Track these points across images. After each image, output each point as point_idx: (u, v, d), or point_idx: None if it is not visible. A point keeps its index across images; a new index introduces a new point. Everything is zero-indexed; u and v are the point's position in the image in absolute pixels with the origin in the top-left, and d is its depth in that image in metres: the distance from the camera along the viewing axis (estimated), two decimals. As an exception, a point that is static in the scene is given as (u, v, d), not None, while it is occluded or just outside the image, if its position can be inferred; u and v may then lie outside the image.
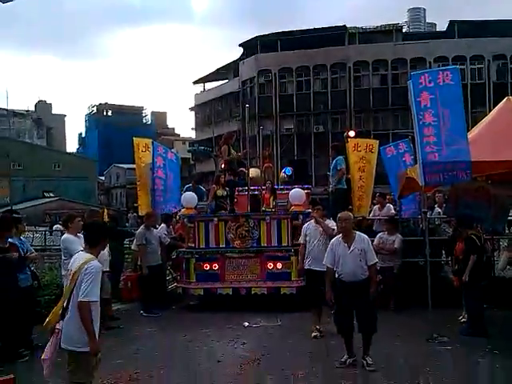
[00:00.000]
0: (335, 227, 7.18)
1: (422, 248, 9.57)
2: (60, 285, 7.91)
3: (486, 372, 5.91)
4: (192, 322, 8.71)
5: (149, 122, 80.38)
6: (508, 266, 9.70)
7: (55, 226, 24.41)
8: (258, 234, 9.70)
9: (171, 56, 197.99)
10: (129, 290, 10.52)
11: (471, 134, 7.70)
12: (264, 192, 11.15)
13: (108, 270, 8.16)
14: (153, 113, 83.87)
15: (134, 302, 10.19)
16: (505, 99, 8.37)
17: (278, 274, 9.49)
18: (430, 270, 7.60)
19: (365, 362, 6.14)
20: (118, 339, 7.59)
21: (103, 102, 79.36)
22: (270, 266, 9.52)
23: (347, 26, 40.95)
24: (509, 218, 10.57)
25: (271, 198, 11.14)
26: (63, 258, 7.46)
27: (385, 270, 9.24)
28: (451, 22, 39.79)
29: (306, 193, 10.92)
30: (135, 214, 23.41)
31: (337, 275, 6.29)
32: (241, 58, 44.47)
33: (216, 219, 9.88)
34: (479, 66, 38.48)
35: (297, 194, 10.26)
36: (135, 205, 14.48)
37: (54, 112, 78.53)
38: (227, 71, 47.71)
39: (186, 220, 10.13)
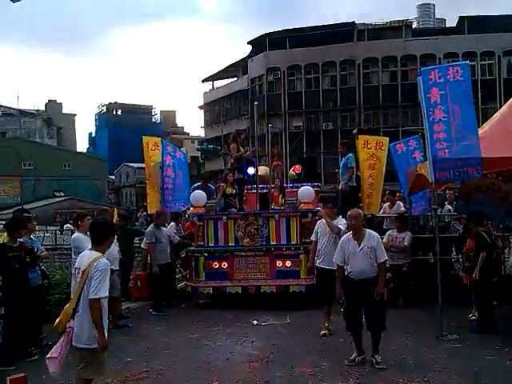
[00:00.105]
0: (345, 225, 7.14)
1: (431, 245, 9.54)
2: (70, 284, 7.94)
3: (497, 369, 5.84)
4: (201, 320, 8.72)
5: (158, 121, 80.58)
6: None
7: (66, 225, 24.65)
8: (267, 232, 9.68)
9: (180, 55, 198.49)
10: (138, 288, 10.56)
11: (481, 130, 7.64)
12: (273, 190, 11.13)
13: (118, 268, 8.20)
14: (162, 112, 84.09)
15: (144, 300, 10.22)
16: (515, 94, 8.27)
17: (287, 272, 9.47)
18: (440, 268, 7.55)
19: (374, 359, 6.12)
20: (128, 337, 7.63)
21: (113, 102, 79.68)
22: (279, 264, 9.51)
23: (356, 22, 40.80)
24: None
25: (280, 196, 11.13)
26: (73, 256, 7.49)
27: (394, 267, 9.22)
28: (461, 18, 39.48)
29: (315, 190, 10.90)
30: (145, 212, 23.52)
31: (346, 273, 6.28)
32: (249, 56, 44.42)
33: (225, 217, 9.88)
34: (489, 61, 38.13)
35: (306, 191, 10.24)
36: (145, 204, 14.53)
37: (64, 112, 78.97)
38: (236, 69, 47.69)
39: (195, 218, 10.12)
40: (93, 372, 4.54)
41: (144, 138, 11.53)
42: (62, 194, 50.62)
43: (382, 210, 11.37)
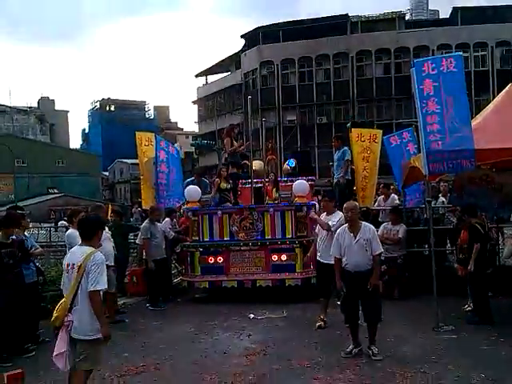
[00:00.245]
0: (342, 219, 7.15)
1: (426, 238, 9.57)
2: (65, 280, 7.92)
3: (492, 360, 5.89)
4: (197, 315, 8.73)
5: (151, 117, 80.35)
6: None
7: (60, 222, 24.55)
8: (262, 226, 9.68)
9: (173, 50, 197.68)
10: (134, 284, 10.56)
11: (475, 122, 7.64)
12: (267, 184, 11.13)
13: (113, 264, 8.19)
14: (155, 107, 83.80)
15: (140, 295, 10.22)
16: (509, 85, 8.29)
17: (282, 266, 9.48)
18: (435, 260, 7.58)
19: (370, 351, 6.16)
20: (124, 332, 7.62)
21: (106, 98, 79.33)
22: (275, 258, 9.52)
23: (349, 14, 40.73)
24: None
25: (274, 190, 11.12)
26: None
27: (389, 260, 9.24)
28: (454, 9, 39.53)
29: (310, 184, 10.90)
30: (140, 208, 23.47)
31: (343, 265, 6.30)
32: (243, 50, 44.31)
33: (220, 212, 9.88)
34: (483, 53, 38.22)
35: (300, 185, 10.25)
36: (139, 200, 14.49)
37: (56, 108, 78.54)
38: (229, 63, 47.58)
39: (189, 213, 10.11)
40: (92, 363, 4.64)
41: (137, 133, 11.49)
42: (55, 191, 50.44)
43: (376, 203, 11.40)
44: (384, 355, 6.10)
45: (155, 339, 7.40)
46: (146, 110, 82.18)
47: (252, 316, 8.39)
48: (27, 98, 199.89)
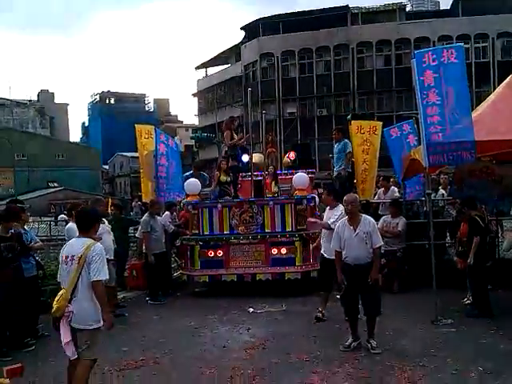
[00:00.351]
0: (337, 216, 7.13)
1: (425, 230, 9.55)
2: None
3: (492, 353, 5.88)
4: (197, 309, 8.73)
5: (151, 110, 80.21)
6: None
7: (60, 216, 24.56)
8: (262, 219, 9.65)
9: (172, 42, 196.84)
10: (134, 278, 10.55)
11: (475, 113, 7.60)
12: (266, 177, 11.10)
13: (113, 258, 8.18)
14: (155, 100, 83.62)
15: (140, 289, 10.22)
16: (509, 77, 8.23)
17: (282, 260, 9.47)
18: (434, 253, 7.56)
19: (369, 344, 6.15)
20: (124, 326, 7.62)
21: (105, 91, 79.17)
22: (275, 251, 9.50)
23: (350, 5, 40.50)
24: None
25: (273, 183, 11.09)
26: (67, 247, 7.46)
27: (389, 253, 9.22)
28: (455, 0, 39.29)
29: (310, 177, 10.87)
30: (140, 202, 23.47)
31: (342, 258, 6.28)
32: (242, 42, 44.12)
33: (220, 205, 9.85)
34: (484, 44, 38.05)
35: (300, 178, 10.22)
36: (139, 193, 14.48)
37: (56, 101, 78.41)
38: (229, 55, 47.41)
39: (189, 207, 10.09)
40: (95, 352, 4.73)
41: (137, 126, 11.44)
42: (55, 185, 50.44)
43: (376, 196, 11.37)
44: (383, 348, 6.11)
45: (155, 333, 7.41)
46: (146, 102, 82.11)
47: (251, 310, 8.39)
48: (27, 92, 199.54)
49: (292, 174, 11.11)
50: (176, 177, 11.51)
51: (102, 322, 4.70)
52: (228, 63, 48.49)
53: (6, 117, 62.90)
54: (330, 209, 7.72)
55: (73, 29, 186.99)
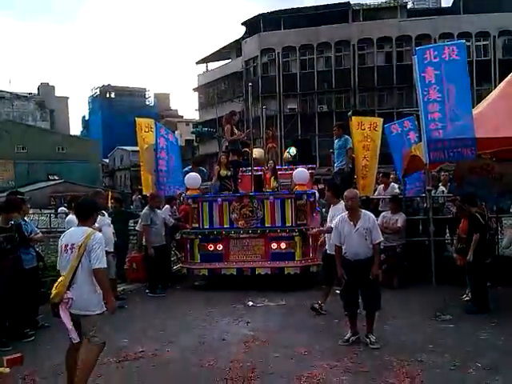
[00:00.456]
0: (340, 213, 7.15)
1: (424, 227, 9.56)
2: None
3: (490, 349, 5.91)
4: (196, 302, 8.76)
5: (152, 104, 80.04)
6: (512, 245, 9.66)
7: (60, 208, 24.57)
8: (262, 214, 9.67)
9: (173, 37, 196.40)
10: (134, 270, 10.58)
11: (476, 111, 7.60)
12: (266, 172, 11.10)
13: (113, 250, 8.20)
14: (155, 94, 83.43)
15: (139, 282, 10.25)
16: (510, 75, 8.23)
17: (281, 254, 9.49)
18: (434, 249, 7.58)
19: (368, 339, 6.18)
20: (123, 319, 7.65)
21: (106, 84, 78.97)
22: (274, 246, 9.52)
23: (351, 2, 40.42)
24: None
25: (272, 178, 11.10)
26: (68, 239, 7.47)
27: (388, 249, 9.24)
28: (457, -2, 39.24)
29: (310, 173, 10.88)
30: (140, 195, 23.47)
31: (342, 253, 6.30)
32: (243, 37, 44.03)
33: (220, 199, 9.86)
34: (485, 42, 38.00)
35: (301, 173, 10.22)
36: (140, 187, 14.48)
37: (57, 94, 78.21)
38: (230, 51, 47.31)
39: (189, 200, 10.10)
40: (102, 336, 4.84)
41: (137, 119, 11.45)
42: (56, 178, 50.40)
43: (376, 192, 11.39)
44: (381, 343, 6.13)
45: (154, 325, 7.43)
46: (147, 97, 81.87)
47: (251, 303, 8.42)
48: (27, 85, 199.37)
49: (292, 169, 11.12)
50: (176, 171, 11.53)
51: (104, 307, 4.82)
52: (229, 58, 48.41)
53: (6, 109, 62.78)
54: (333, 206, 7.73)
55: (73, 22, 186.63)
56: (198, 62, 52.58)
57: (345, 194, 6.50)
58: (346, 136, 10.95)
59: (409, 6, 43.12)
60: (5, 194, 11.96)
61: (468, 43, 34.65)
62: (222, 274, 9.69)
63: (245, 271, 9.54)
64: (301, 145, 14.71)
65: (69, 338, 4.79)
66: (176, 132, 26.82)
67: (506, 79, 8.33)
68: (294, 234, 9.46)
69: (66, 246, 4.81)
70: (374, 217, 6.48)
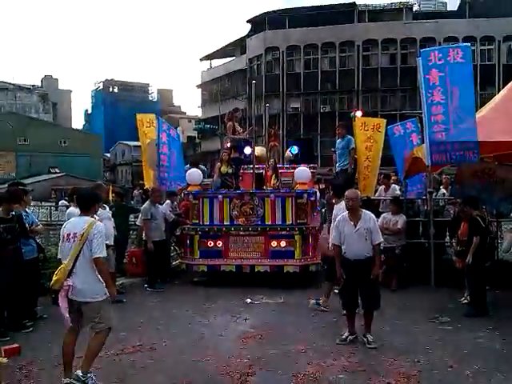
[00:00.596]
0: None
1: (425, 229, 9.57)
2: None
3: (487, 352, 5.92)
4: (195, 298, 8.77)
5: (155, 100, 79.99)
6: (512, 249, 9.66)
7: (61, 201, 24.55)
8: (263, 211, 9.66)
9: (178, 32, 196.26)
10: (133, 265, 10.58)
11: (479, 114, 7.62)
12: (267, 170, 11.11)
13: (113, 244, 8.21)
14: (159, 90, 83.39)
15: (139, 276, 10.25)
16: (514, 79, 8.25)
17: (281, 252, 9.49)
18: (434, 252, 7.59)
19: (366, 339, 6.18)
20: (122, 312, 7.64)
21: (109, 78, 78.96)
22: (274, 244, 9.51)
23: (357, 3, 40.39)
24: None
25: (273, 177, 11.10)
26: (69, 231, 7.47)
27: (388, 250, 9.24)
28: (462, 1, 39.16)
29: (312, 172, 10.89)
30: (141, 190, 23.49)
31: (342, 253, 6.30)
32: (248, 35, 43.99)
33: (220, 196, 9.85)
34: (489, 46, 37.96)
35: (302, 172, 10.23)
36: (141, 182, 14.50)
37: (60, 87, 78.20)
38: (234, 48, 47.27)
39: (190, 196, 10.11)
40: (107, 321, 4.98)
41: (138, 115, 11.50)
42: (57, 171, 50.40)
43: (377, 193, 11.40)
44: (379, 344, 6.13)
45: (152, 320, 7.45)
46: (150, 92, 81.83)
47: (249, 300, 8.42)
48: (31, 78, 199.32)
49: (294, 168, 11.12)
50: (178, 166, 11.54)
51: (107, 294, 4.94)
52: (233, 56, 48.37)
53: (9, 101, 62.75)
54: (336, 205, 7.73)
55: (76, 14, 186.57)
56: (202, 59, 52.60)
57: (346, 193, 6.50)
58: (349, 136, 10.95)
59: (414, 9, 43.07)
60: (6, 185, 11.99)
61: (472, 47, 34.50)
62: (221, 271, 9.69)
63: (244, 268, 9.54)
64: (303, 144, 14.72)
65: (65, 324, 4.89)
66: (178, 128, 26.80)
67: (510, 84, 8.34)
68: (294, 232, 9.46)
69: (69, 234, 4.93)
70: (374, 217, 6.48)
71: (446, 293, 7.95)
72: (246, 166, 11.36)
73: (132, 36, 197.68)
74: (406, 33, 38.49)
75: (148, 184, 10.94)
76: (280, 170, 11.61)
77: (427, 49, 7.55)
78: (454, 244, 8.96)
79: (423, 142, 7.82)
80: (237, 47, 46.68)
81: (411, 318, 7.33)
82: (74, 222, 5.06)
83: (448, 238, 10.26)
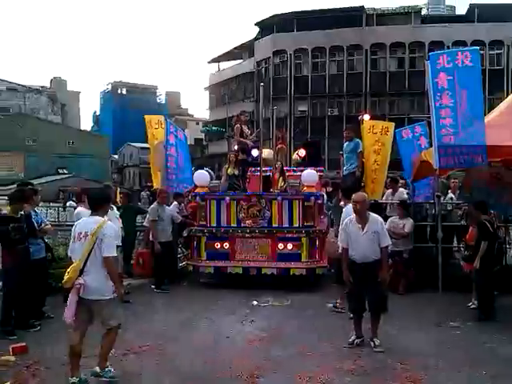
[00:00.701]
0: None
1: (432, 233, 9.53)
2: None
3: (494, 357, 5.89)
4: (201, 299, 8.78)
5: (163, 102, 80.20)
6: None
7: (68, 202, 24.67)
8: (270, 214, 9.65)
9: (186, 35, 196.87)
10: (140, 265, 10.61)
11: (487, 119, 7.59)
12: (274, 173, 11.12)
13: (120, 244, 8.21)
14: (166, 93, 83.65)
15: (146, 277, 10.27)
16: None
17: (288, 255, 9.48)
18: (441, 256, 7.56)
19: (373, 343, 6.17)
20: (128, 313, 7.63)
21: (118, 80, 79.28)
22: (281, 246, 9.51)
23: (365, 6, 40.33)
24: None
25: (280, 179, 11.11)
26: (77, 231, 7.50)
27: (395, 253, 9.21)
28: (471, 6, 39.00)
29: (319, 175, 10.88)
30: (148, 192, 23.55)
31: (349, 256, 6.29)
32: (257, 38, 44.04)
33: (228, 198, 9.86)
34: (498, 51, 37.78)
35: (309, 175, 10.24)
36: (148, 184, 14.54)
37: (69, 89, 78.57)
38: (242, 51, 47.33)
39: (197, 198, 10.13)
40: (118, 318, 5.14)
41: (146, 116, 11.58)
42: (65, 172, 50.55)
43: (384, 197, 11.36)
44: (386, 347, 6.11)
45: (158, 321, 7.47)
46: (158, 94, 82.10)
47: (255, 303, 8.41)
48: (40, 79, 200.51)
49: (301, 170, 11.12)
50: (185, 168, 11.58)
51: (115, 293, 5.06)
52: (241, 58, 48.44)
53: (18, 102, 63.04)
54: (345, 207, 7.71)
55: (85, 16, 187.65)
56: (210, 62, 52.69)
57: (353, 197, 6.48)
58: (357, 139, 10.92)
59: (423, 13, 42.93)
60: (15, 185, 12.05)
61: (481, 51, 34.47)
62: (227, 273, 9.70)
63: (251, 270, 9.54)
64: (310, 147, 14.73)
65: (72, 322, 4.97)
66: (185, 130, 26.83)
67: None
68: (301, 235, 9.45)
69: (80, 233, 5.03)
70: (382, 220, 6.47)
71: (454, 297, 7.90)
72: (253, 169, 11.37)
73: (140, 38, 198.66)
74: (415, 37, 38.39)
75: (156, 185, 10.98)
76: (287, 173, 11.62)
77: (436, 52, 7.53)
78: (462, 249, 8.93)
79: (431, 146, 7.80)
80: (245, 50, 46.74)
81: (418, 322, 7.30)
82: (85, 221, 5.18)
83: (456, 242, 10.23)
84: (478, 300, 7.74)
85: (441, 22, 39.71)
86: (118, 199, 11.46)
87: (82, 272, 4.91)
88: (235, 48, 47.87)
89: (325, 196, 10.68)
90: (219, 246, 9.71)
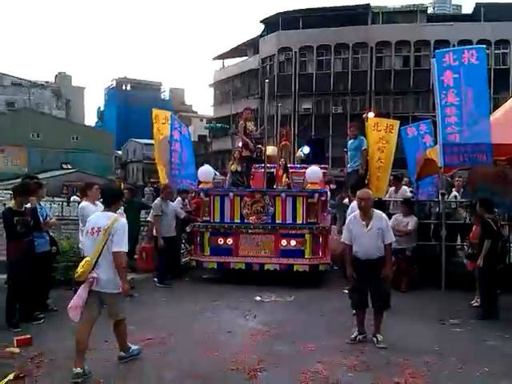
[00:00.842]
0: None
1: (436, 232, 9.51)
2: (77, 252, 8.00)
3: (496, 355, 5.89)
4: (204, 294, 8.81)
5: (167, 98, 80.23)
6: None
7: (72, 197, 24.77)
8: (273, 210, 9.68)
9: (191, 32, 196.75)
10: (144, 260, 10.64)
11: (493, 117, 7.56)
12: (278, 169, 11.12)
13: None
14: (171, 89, 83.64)
15: (149, 272, 10.30)
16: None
17: (291, 251, 9.50)
18: (444, 254, 7.55)
19: (375, 339, 6.18)
20: (132, 307, 7.66)
21: (122, 77, 79.33)
22: (284, 242, 9.53)
23: (371, 4, 40.24)
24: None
25: (284, 176, 11.12)
26: (81, 225, 7.54)
27: (398, 251, 9.21)
28: (477, 5, 38.85)
29: (323, 172, 10.88)
30: (152, 188, 23.62)
31: (353, 252, 6.30)
32: (262, 35, 43.98)
33: (232, 194, 9.89)
34: (504, 50, 37.65)
35: (313, 172, 10.23)
36: (152, 180, 14.56)
37: (73, 84, 78.65)
38: (247, 48, 47.28)
39: (201, 193, 10.15)
40: (123, 312, 5.40)
41: (154, 110, 11.56)
42: (69, 167, 50.68)
43: (387, 194, 11.36)
44: (388, 344, 6.12)
45: (161, 315, 7.50)
46: (162, 91, 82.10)
47: (259, 298, 8.44)
48: (45, 74, 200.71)
49: (305, 168, 11.12)
50: (189, 164, 11.60)
51: (121, 288, 5.19)
52: (246, 55, 48.39)
53: (23, 97, 63.13)
54: (352, 201, 7.72)
55: (90, 12, 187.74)
56: (214, 58, 52.68)
57: (357, 193, 6.50)
58: (362, 137, 10.91)
59: (429, 11, 42.80)
60: (19, 180, 12.08)
61: (487, 51, 34.32)
62: (230, 268, 9.73)
63: (254, 266, 9.57)
64: (314, 144, 14.73)
65: (79, 314, 5.05)
66: (189, 127, 26.90)
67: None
68: (305, 231, 9.47)
69: (93, 228, 5.15)
70: (386, 217, 6.48)
71: (457, 295, 7.91)
72: (257, 165, 11.38)
73: (145, 35, 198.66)
74: (420, 35, 38.27)
75: (162, 181, 11.00)
76: (291, 170, 11.62)
77: (442, 50, 7.49)
78: (465, 247, 8.92)
79: (436, 144, 7.78)
80: (250, 47, 46.69)
81: (421, 319, 7.31)
82: (99, 216, 5.29)
83: (459, 240, 10.22)
84: (481, 298, 7.74)
85: (446, 20, 39.58)
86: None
87: (94, 266, 5.05)
88: (240, 45, 47.82)
89: (329, 193, 10.67)
90: (222, 242, 9.74)
